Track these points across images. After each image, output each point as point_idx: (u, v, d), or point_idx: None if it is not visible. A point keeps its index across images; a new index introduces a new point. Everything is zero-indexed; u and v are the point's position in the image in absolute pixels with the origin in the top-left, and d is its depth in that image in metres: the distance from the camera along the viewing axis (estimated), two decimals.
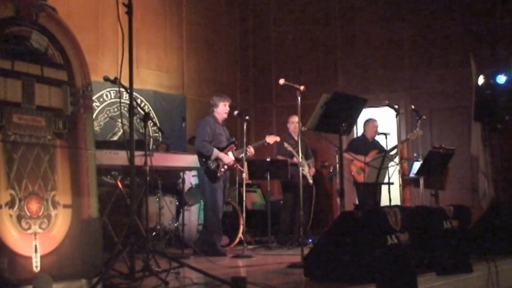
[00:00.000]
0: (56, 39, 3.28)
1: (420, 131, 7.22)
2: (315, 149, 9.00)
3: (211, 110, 6.52)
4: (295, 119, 7.69)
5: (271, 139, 6.94)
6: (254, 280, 3.80)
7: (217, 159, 6.28)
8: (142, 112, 4.71)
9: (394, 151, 7.16)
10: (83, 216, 3.24)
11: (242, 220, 6.74)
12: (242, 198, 6.50)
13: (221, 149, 6.37)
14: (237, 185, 7.81)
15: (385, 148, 7.08)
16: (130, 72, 3.79)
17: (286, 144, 7.33)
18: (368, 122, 7.94)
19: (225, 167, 6.34)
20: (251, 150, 6.57)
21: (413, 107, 7.38)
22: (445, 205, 4.77)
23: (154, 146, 7.89)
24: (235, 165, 6.54)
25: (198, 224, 6.85)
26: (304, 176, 7.25)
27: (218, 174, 6.28)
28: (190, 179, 7.42)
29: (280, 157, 7.51)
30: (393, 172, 7.00)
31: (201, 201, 6.80)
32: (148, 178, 4.51)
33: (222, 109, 6.47)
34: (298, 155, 7.16)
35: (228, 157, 6.37)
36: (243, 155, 6.32)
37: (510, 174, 8.21)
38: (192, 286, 3.82)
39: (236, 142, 6.65)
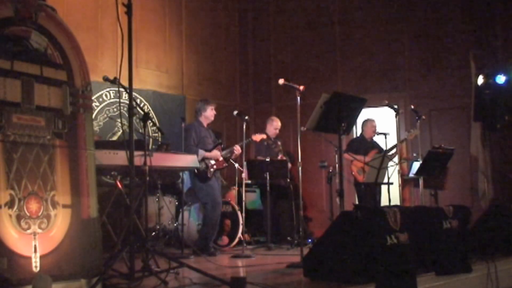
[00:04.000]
0: (56, 39, 3.28)
1: (417, 131, 7.22)
2: (315, 149, 9.01)
3: (198, 114, 6.66)
4: (278, 124, 7.80)
5: (257, 137, 7.04)
6: (253, 280, 3.80)
7: (205, 159, 6.40)
8: (142, 112, 4.70)
9: (393, 151, 7.17)
10: (83, 216, 3.24)
11: (242, 220, 6.74)
12: (242, 198, 6.52)
13: (208, 151, 6.51)
14: (236, 185, 7.81)
15: (384, 148, 7.08)
16: (130, 72, 3.79)
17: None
18: (366, 122, 7.95)
19: (214, 167, 6.45)
20: (237, 148, 6.68)
21: (412, 107, 7.38)
22: (445, 205, 4.77)
23: (154, 146, 7.89)
24: (224, 164, 6.69)
25: (197, 224, 6.85)
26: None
27: (208, 175, 6.40)
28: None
29: (260, 158, 7.49)
30: (393, 172, 7.01)
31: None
32: (147, 178, 4.51)
33: (210, 113, 6.63)
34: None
35: (215, 153, 6.53)
36: (229, 154, 6.57)
37: (510, 174, 8.21)
38: (192, 286, 3.82)
39: (222, 143, 6.77)
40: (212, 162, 6.47)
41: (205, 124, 6.66)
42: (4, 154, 2.94)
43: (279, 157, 7.46)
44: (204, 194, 6.43)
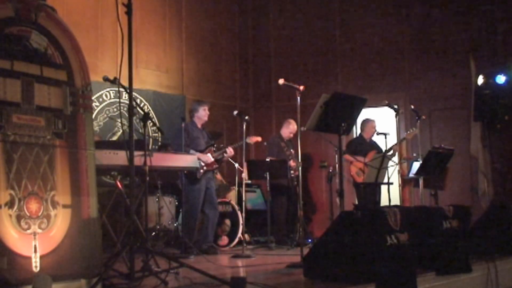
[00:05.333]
0: (56, 39, 3.28)
1: (416, 130, 7.21)
2: (315, 149, 9.01)
3: (192, 115, 6.71)
4: (294, 128, 7.75)
5: (252, 139, 7.02)
6: (253, 280, 3.80)
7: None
8: (142, 112, 4.70)
9: (392, 151, 7.16)
10: (83, 216, 3.24)
11: (242, 220, 6.74)
12: (242, 198, 6.52)
13: (200, 152, 6.49)
14: (236, 185, 7.82)
15: (383, 148, 7.07)
16: (130, 72, 3.79)
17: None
18: (366, 122, 7.91)
19: (204, 168, 6.43)
20: (230, 150, 6.67)
21: (412, 107, 7.38)
22: (445, 205, 4.78)
23: (154, 146, 7.90)
24: (215, 166, 6.68)
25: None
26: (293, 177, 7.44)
27: (198, 176, 6.37)
28: None
29: (271, 158, 7.50)
30: (393, 172, 7.01)
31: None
32: (147, 178, 4.51)
33: (202, 114, 6.66)
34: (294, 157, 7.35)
35: (206, 156, 6.51)
36: (221, 155, 6.56)
37: (510, 174, 8.21)
38: (192, 286, 3.81)
39: (215, 144, 6.76)
40: (202, 163, 6.46)
41: (199, 125, 6.67)
42: (4, 154, 2.94)
43: (289, 163, 7.42)
44: (186, 197, 6.41)
